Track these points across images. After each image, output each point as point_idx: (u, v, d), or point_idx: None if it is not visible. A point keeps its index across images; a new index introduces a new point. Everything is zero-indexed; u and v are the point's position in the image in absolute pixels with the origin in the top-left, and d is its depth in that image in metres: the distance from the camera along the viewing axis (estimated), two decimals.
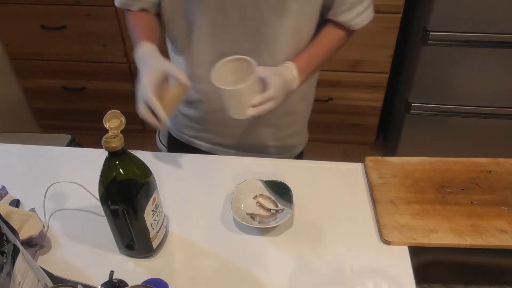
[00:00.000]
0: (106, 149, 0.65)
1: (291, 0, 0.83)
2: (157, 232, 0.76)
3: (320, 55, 0.93)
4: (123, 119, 0.67)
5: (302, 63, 0.90)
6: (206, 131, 1.07)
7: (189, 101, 1.02)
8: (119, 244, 0.77)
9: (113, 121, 0.66)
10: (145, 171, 0.71)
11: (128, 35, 2.01)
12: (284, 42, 0.89)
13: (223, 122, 1.01)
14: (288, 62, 0.88)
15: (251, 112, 0.80)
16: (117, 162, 0.67)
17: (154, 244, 0.77)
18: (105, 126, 0.66)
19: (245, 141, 1.07)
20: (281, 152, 1.11)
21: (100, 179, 0.68)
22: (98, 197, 0.70)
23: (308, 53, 0.92)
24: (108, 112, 0.66)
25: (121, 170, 0.68)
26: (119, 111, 0.67)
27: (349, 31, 0.94)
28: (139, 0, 0.91)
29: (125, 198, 0.69)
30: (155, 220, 0.74)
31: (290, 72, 0.87)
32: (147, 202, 0.71)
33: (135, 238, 0.74)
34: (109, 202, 0.69)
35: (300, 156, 1.18)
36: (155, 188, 0.73)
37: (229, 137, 1.07)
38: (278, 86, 0.83)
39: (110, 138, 0.64)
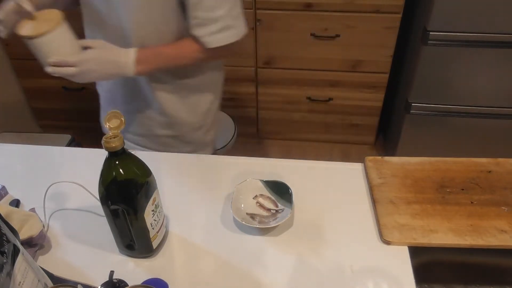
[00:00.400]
0: (106, 149, 0.65)
1: None
2: (157, 232, 0.76)
3: (168, 56, 0.94)
4: (123, 119, 0.67)
5: (144, 54, 0.91)
6: None
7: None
8: (119, 244, 0.77)
9: (113, 121, 0.66)
10: (145, 171, 0.71)
11: None
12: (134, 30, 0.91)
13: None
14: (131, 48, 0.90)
15: (49, 69, 0.85)
16: (117, 162, 0.67)
17: (154, 244, 0.77)
18: (105, 126, 0.66)
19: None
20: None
21: (100, 179, 0.68)
22: (98, 197, 0.70)
23: (155, 49, 0.93)
24: (108, 112, 0.66)
25: (121, 170, 0.68)
26: (119, 111, 0.67)
27: (205, 48, 0.93)
28: None
29: (125, 198, 0.69)
30: (155, 220, 0.74)
31: (125, 54, 0.89)
32: (147, 202, 0.71)
33: (135, 238, 0.74)
34: (109, 202, 0.69)
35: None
36: (155, 188, 0.73)
37: None
38: (89, 57, 0.86)
39: (110, 138, 0.64)
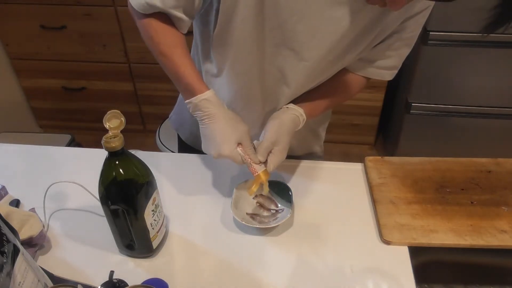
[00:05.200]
0: (106, 149, 0.65)
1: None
2: (157, 232, 0.76)
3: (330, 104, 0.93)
4: (123, 119, 0.67)
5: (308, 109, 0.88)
6: None
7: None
8: (119, 244, 0.77)
9: (113, 121, 0.66)
10: (145, 171, 0.71)
11: (128, 35, 2.02)
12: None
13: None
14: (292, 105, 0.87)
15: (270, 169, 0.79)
16: (117, 162, 0.67)
17: (154, 244, 0.77)
18: (105, 126, 0.66)
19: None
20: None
21: (100, 179, 0.68)
22: (98, 197, 0.70)
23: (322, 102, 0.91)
24: (108, 112, 0.66)
25: (121, 170, 0.68)
26: (119, 111, 0.67)
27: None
28: (178, 17, 0.76)
29: (125, 198, 0.69)
30: (155, 220, 0.74)
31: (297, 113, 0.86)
32: (147, 202, 0.71)
33: (135, 238, 0.74)
34: (109, 202, 0.69)
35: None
36: (155, 188, 0.73)
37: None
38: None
39: (110, 138, 0.64)
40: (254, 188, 0.79)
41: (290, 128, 0.83)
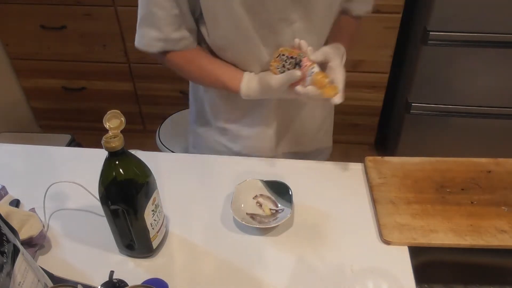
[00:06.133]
0: (106, 149, 0.65)
1: None
2: (157, 232, 0.76)
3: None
4: (123, 119, 0.67)
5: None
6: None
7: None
8: (119, 244, 0.77)
9: (113, 121, 0.66)
10: (145, 171, 0.71)
11: (128, 35, 2.02)
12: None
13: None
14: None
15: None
16: (117, 162, 0.67)
17: (154, 244, 0.77)
18: (105, 126, 0.66)
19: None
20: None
21: (100, 179, 0.68)
22: (98, 197, 0.70)
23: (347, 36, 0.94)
24: (108, 112, 0.66)
25: (121, 170, 0.68)
26: (119, 111, 0.67)
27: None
28: (183, 38, 0.85)
29: (125, 198, 0.69)
30: (155, 220, 0.74)
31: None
32: (147, 202, 0.71)
33: (135, 238, 0.74)
34: (109, 202, 0.69)
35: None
36: (155, 188, 0.73)
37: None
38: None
39: (110, 138, 0.64)
40: (330, 91, 0.77)
41: (341, 51, 0.85)
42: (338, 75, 0.82)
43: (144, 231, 0.73)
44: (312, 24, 0.85)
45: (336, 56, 0.82)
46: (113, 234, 0.76)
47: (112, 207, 0.69)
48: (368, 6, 0.97)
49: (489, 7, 1.59)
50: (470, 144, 1.98)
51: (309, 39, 0.80)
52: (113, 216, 0.71)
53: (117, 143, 0.64)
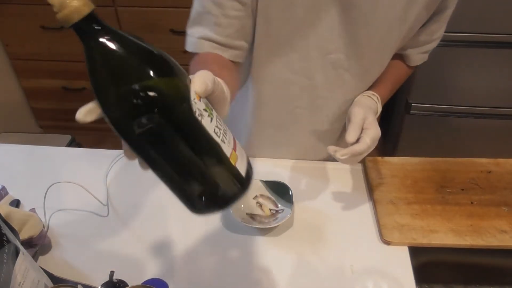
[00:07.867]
0: (66, 22, 0.36)
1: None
2: (233, 148, 0.43)
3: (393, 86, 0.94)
4: None
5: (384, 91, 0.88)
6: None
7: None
8: (189, 198, 0.45)
9: None
10: (151, 47, 0.40)
11: None
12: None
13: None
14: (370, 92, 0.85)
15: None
16: (106, 40, 0.39)
17: (240, 168, 0.44)
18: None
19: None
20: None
21: (99, 94, 0.43)
22: (98, 197, 0.69)
23: (389, 82, 0.91)
24: None
25: (124, 50, 0.39)
26: None
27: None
28: (233, 47, 0.74)
29: (153, 95, 0.37)
30: (218, 127, 0.42)
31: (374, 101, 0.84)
32: (188, 91, 0.39)
33: (204, 167, 0.41)
34: (135, 122, 0.37)
35: None
36: (183, 71, 0.41)
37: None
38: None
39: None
40: None
41: (372, 105, 0.80)
42: (370, 131, 0.74)
43: (210, 144, 0.41)
44: (358, 64, 0.80)
45: (369, 116, 0.76)
46: (172, 190, 0.45)
47: (144, 122, 0.37)
48: (426, 57, 0.93)
49: (489, 7, 1.59)
50: (470, 144, 1.97)
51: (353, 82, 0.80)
52: (153, 149, 0.39)
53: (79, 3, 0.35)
